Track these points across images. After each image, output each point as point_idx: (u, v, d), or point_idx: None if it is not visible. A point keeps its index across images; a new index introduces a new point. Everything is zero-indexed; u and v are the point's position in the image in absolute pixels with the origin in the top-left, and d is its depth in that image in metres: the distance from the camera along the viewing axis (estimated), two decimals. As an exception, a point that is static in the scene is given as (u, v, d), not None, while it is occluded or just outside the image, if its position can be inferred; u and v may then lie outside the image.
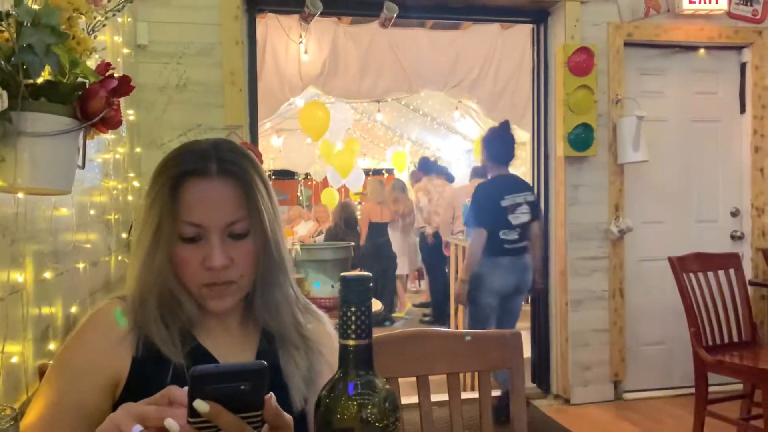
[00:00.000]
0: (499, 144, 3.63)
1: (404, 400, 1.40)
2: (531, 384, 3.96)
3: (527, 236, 3.55)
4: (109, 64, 1.16)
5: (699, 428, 2.85)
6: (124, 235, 2.55)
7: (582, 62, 3.64)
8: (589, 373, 3.76)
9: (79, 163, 1.16)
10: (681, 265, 2.91)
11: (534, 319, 4.02)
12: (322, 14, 3.60)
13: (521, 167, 5.66)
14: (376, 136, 9.72)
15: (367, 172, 10.04)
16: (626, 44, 3.74)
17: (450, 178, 7.23)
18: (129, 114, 2.71)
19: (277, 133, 8.24)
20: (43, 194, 1.38)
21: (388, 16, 3.65)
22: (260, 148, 3.40)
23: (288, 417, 0.71)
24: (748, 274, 3.74)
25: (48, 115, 1.05)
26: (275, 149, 8.51)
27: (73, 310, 1.82)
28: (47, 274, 1.61)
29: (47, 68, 1.02)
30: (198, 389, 0.64)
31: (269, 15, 3.98)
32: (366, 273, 0.67)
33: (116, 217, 2.44)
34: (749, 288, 3.16)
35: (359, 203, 8.26)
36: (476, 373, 1.31)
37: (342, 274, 0.65)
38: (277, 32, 4.14)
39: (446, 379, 1.26)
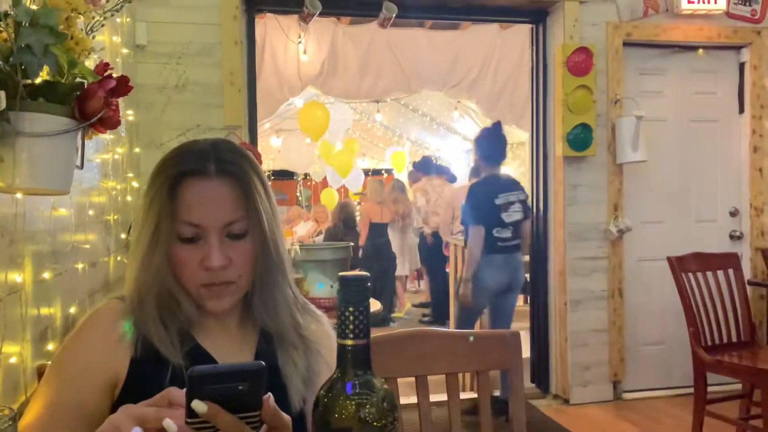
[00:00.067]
0: (491, 144, 3.69)
1: (403, 400, 1.40)
2: (530, 384, 3.96)
3: (519, 234, 3.61)
4: (107, 65, 1.15)
5: (698, 428, 2.85)
6: (123, 236, 2.54)
7: (581, 62, 3.64)
8: (589, 373, 3.76)
9: (78, 163, 1.16)
10: (680, 265, 2.91)
11: (533, 319, 4.02)
12: (321, 14, 3.60)
13: (521, 167, 5.67)
14: (375, 136, 9.72)
15: (366, 173, 10.02)
16: (625, 44, 3.74)
17: (452, 178, 7.23)
18: (128, 114, 2.71)
19: (276, 134, 8.24)
20: (42, 194, 1.38)
21: (387, 16, 3.65)
22: (259, 149, 3.40)
23: (286, 417, 0.71)
24: (747, 274, 3.74)
25: (46, 116, 1.05)
26: (274, 149, 8.51)
27: (72, 310, 1.82)
28: (46, 275, 1.61)
29: (45, 68, 1.02)
30: (196, 390, 0.64)
31: (268, 15, 3.98)
32: (364, 273, 0.67)
33: (115, 217, 2.44)
34: (748, 288, 3.16)
35: (359, 203, 8.25)
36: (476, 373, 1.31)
37: (340, 274, 0.65)
38: (276, 32, 4.14)
39: (445, 379, 1.26)
